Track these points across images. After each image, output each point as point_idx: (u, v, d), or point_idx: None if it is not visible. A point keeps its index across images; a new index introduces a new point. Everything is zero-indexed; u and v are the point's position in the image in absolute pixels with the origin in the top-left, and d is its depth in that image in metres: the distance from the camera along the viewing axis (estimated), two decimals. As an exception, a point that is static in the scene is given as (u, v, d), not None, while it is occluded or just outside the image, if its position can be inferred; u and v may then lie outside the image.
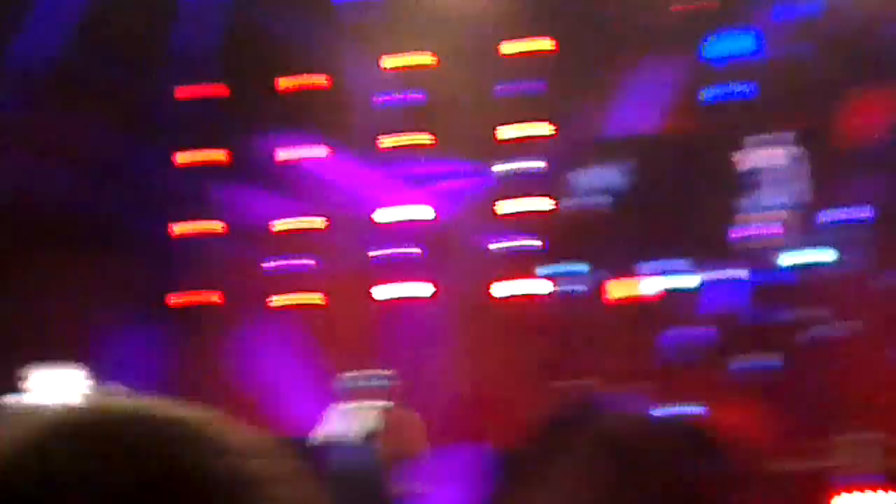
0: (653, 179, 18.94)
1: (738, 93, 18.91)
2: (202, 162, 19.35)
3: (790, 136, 18.67)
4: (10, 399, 13.77)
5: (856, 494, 15.94)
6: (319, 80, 19.30)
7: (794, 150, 18.63)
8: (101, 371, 16.84)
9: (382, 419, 14.17)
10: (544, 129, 19.11)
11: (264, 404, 18.11)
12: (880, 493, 15.81)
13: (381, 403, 14.21)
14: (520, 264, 19.24)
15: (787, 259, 18.54)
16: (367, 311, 19.34)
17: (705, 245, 18.86)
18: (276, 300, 19.22)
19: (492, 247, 19.32)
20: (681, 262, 19.03)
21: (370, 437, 14.10)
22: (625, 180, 19.24)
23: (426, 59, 19.11)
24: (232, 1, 18.68)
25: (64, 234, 17.90)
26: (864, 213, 18.19)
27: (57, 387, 14.38)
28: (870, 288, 18.16)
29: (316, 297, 19.29)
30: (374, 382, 14.46)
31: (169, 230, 19.46)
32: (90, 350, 17.37)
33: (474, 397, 19.11)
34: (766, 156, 18.69)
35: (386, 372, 14.56)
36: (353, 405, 14.24)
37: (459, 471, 17.09)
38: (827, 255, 18.32)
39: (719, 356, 18.42)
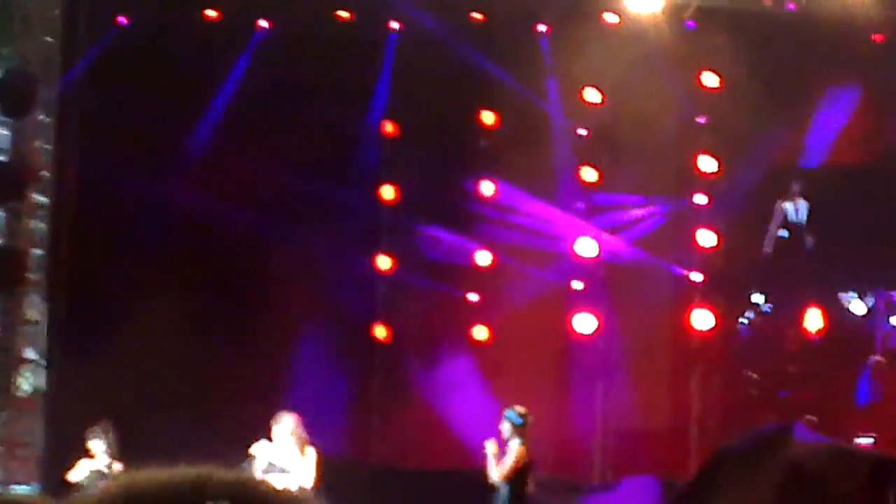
0: (838, 209, 19.01)
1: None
2: (400, 199, 19.86)
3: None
4: (257, 447, 14.18)
5: None
6: (490, 117, 19.74)
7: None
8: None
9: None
10: (723, 162, 19.28)
11: (451, 434, 18.53)
12: None
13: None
14: (697, 297, 19.41)
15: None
16: (542, 344, 19.73)
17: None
18: (475, 332, 19.68)
19: (669, 280, 19.59)
20: (868, 292, 19.14)
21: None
22: (811, 211, 19.36)
23: (598, 95, 19.40)
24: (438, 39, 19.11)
25: (271, 270, 18.63)
26: None
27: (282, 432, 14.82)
28: None
29: (484, 331, 19.75)
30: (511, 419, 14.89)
31: (373, 265, 19.91)
32: (294, 384, 18.04)
33: (646, 430, 19.44)
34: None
35: (520, 409, 14.93)
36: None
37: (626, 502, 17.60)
38: None
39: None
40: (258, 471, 13.99)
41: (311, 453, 14.53)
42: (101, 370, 16.89)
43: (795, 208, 19.47)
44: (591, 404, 19.41)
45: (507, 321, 19.51)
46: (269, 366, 18.23)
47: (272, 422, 14.38)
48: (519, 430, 14.60)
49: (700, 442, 18.80)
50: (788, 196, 19.47)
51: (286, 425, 14.42)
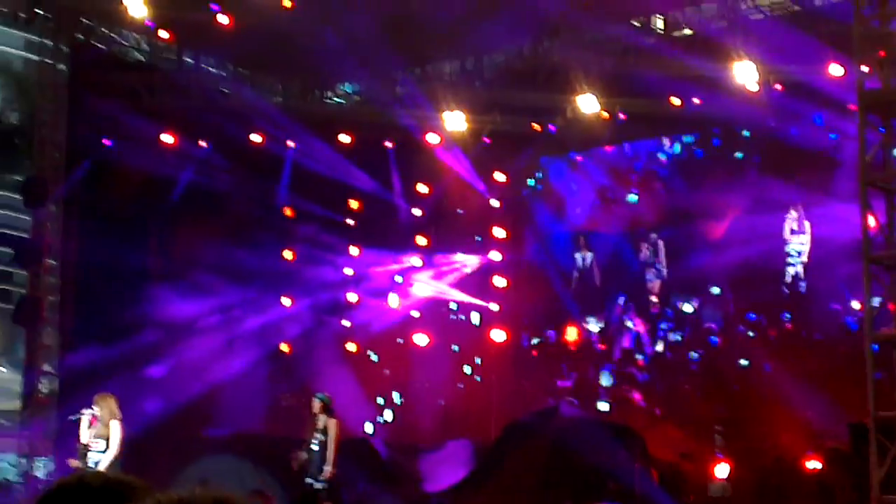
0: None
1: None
2: (295, 258, 27.34)
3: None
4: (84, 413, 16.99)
5: (722, 465, 22.03)
6: (355, 203, 27.46)
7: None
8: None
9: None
10: (510, 231, 27.32)
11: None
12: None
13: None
14: (494, 321, 26.71)
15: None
16: (393, 353, 27.19)
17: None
18: (348, 346, 27.35)
19: (476, 309, 27.09)
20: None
21: None
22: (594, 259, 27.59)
23: (426, 187, 27.64)
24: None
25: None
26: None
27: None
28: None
29: (353, 346, 26.93)
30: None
31: (279, 303, 26.94)
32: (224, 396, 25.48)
33: (461, 407, 25.94)
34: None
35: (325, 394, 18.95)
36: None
37: (449, 458, 23.69)
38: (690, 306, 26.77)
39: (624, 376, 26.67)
40: (82, 436, 16.41)
41: (116, 427, 16.45)
42: (97, 379, 22.34)
43: (583, 257, 26.57)
44: (425, 389, 26.61)
45: (369, 339, 26.99)
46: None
47: (96, 398, 16.95)
48: (327, 407, 18.35)
49: (498, 417, 25.68)
50: (579, 249, 26.58)
51: (104, 402, 16.69)
